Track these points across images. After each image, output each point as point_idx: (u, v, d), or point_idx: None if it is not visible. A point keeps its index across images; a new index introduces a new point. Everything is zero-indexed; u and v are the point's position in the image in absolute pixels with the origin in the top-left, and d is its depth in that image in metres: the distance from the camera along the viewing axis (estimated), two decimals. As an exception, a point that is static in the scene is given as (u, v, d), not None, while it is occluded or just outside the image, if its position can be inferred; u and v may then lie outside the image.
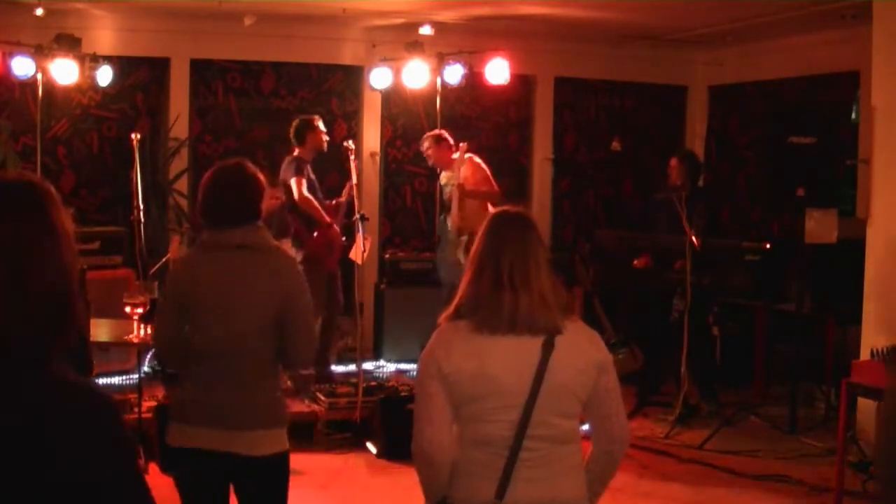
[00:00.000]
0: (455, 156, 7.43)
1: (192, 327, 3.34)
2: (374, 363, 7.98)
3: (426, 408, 2.59)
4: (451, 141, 7.59)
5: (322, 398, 6.43)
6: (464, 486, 2.59)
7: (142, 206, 6.37)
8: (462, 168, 7.45)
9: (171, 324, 3.40)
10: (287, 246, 7.54)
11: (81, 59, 7.26)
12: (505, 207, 2.80)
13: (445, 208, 7.69)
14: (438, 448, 2.56)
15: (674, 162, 7.23)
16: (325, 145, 7.19)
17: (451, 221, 7.49)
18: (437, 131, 7.76)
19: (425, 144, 7.66)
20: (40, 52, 7.10)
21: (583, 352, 2.62)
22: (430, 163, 7.75)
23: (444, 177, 7.73)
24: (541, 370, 2.53)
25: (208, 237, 3.37)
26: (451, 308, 2.66)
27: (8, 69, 7.00)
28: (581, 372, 2.60)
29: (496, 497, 2.52)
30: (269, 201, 6.41)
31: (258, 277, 3.29)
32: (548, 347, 2.54)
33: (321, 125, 7.25)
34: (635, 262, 7.32)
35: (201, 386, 3.32)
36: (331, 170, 8.98)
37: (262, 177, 3.42)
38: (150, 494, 1.58)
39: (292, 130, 7.21)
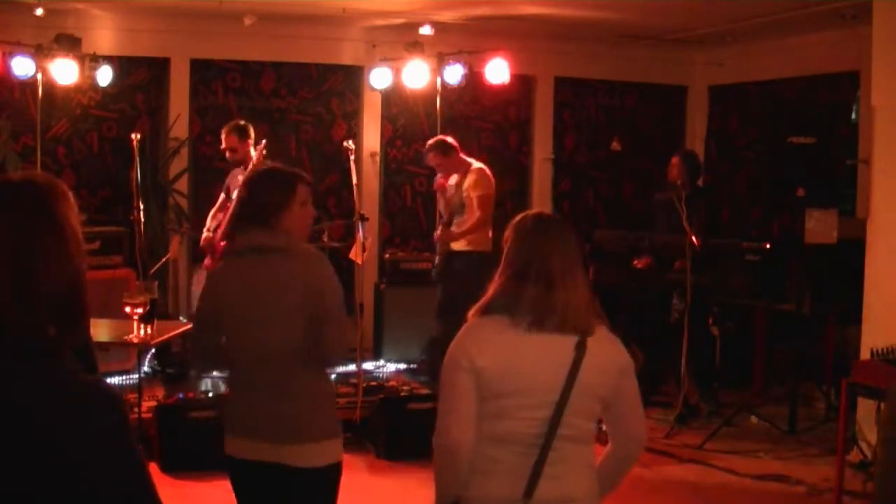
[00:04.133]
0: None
1: (227, 338, 3.32)
2: (374, 363, 7.98)
3: (455, 402, 2.56)
4: (456, 143, 7.45)
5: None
6: (481, 485, 2.57)
7: (142, 206, 6.37)
8: (469, 177, 7.24)
9: (207, 335, 3.37)
10: None
11: (81, 59, 7.27)
12: (540, 210, 2.82)
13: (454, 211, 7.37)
14: (466, 444, 2.54)
15: (675, 160, 7.23)
16: (229, 154, 6.99)
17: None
18: (440, 138, 7.51)
19: (430, 156, 7.41)
20: (40, 52, 7.10)
21: (608, 355, 2.64)
22: (440, 171, 7.46)
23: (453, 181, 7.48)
24: (573, 370, 2.54)
25: (235, 241, 3.36)
26: (482, 303, 2.64)
27: (8, 69, 7.01)
28: (606, 374, 2.62)
29: (525, 496, 2.52)
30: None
31: (284, 281, 3.23)
32: (581, 349, 2.56)
33: (223, 134, 7.04)
34: (636, 262, 7.32)
35: (245, 397, 3.30)
36: (331, 170, 9.00)
37: (292, 179, 3.34)
38: (155, 493, 1.58)
39: None
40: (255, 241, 3.26)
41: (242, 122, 7.04)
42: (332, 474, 3.28)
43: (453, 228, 7.24)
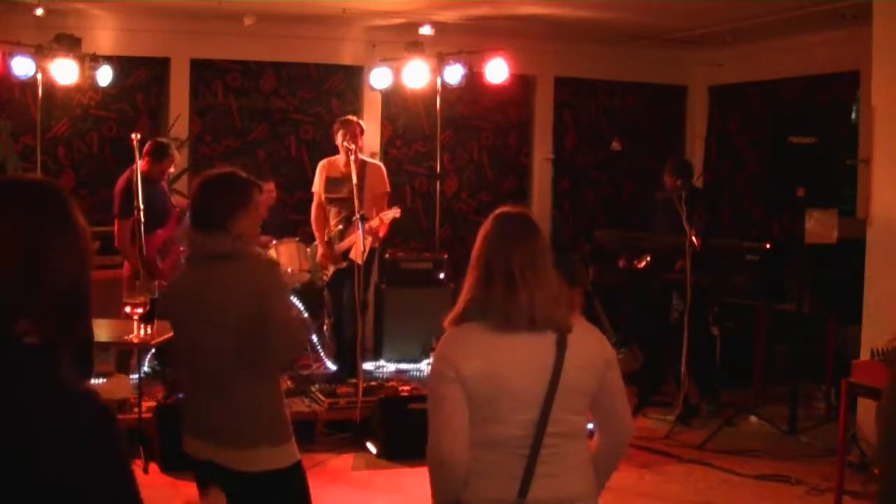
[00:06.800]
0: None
1: (175, 342, 3.44)
2: (374, 363, 7.97)
3: (447, 413, 2.55)
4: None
5: (322, 398, 6.43)
6: (479, 488, 2.57)
7: (142, 206, 6.36)
8: (372, 172, 7.13)
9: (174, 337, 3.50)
10: (291, 245, 7.50)
11: (81, 59, 7.27)
12: (506, 207, 2.78)
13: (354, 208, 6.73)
14: (460, 453, 2.54)
15: (667, 180, 7.21)
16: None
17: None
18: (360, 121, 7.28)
19: (358, 128, 7.04)
20: (40, 52, 7.10)
21: (591, 348, 2.65)
22: (354, 146, 6.83)
23: (341, 161, 7.01)
24: (557, 368, 2.54)
25: (190, 247, 3.39)
26: (456, 312, 2.64)
27: (8, 69, 7.01)
28: (591, 368, 2.62)
29: (519, 496, 2.52)
30: (265, 195, 6.39)
31: (227, 285, 3.24)
32: (561, 345, 2.56)
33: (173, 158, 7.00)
34: (635, 261, 7.31)
35: (192, 398, 3.40)
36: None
37: (245, 183, 3.36)
38: None
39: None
40: (205, 247, 3.28)
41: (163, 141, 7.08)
42: (272, 481, 3.25)
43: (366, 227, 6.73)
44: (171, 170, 7.12)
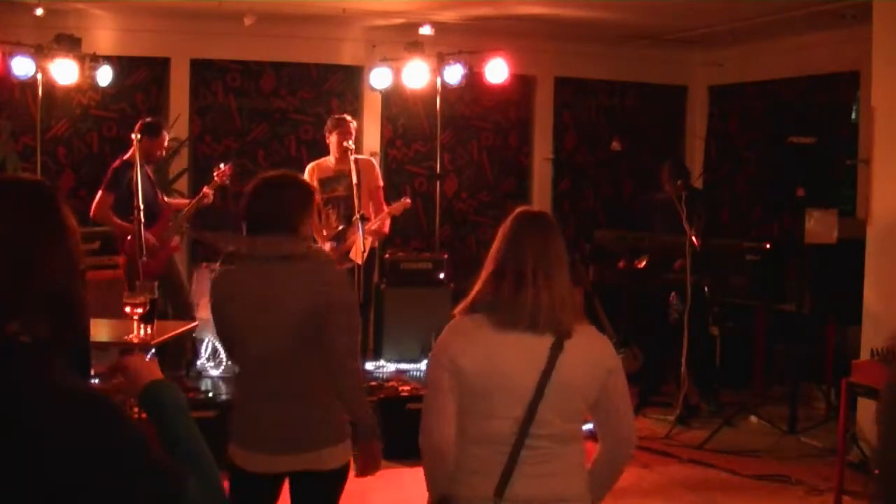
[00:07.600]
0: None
1: (239, 345, 3.32)
2: (374, 363, 7.97)
3: (441, 401, 2.59)
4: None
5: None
6: (466, 483, 2.60)
7: (142, 206, 6.36)
8: (365, 168, 7.05)
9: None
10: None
11: (81, 59, 7.27)
12: (527, 207, 2.82)
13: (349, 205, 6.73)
14: (449, 442, 2.58)
15: (667, 182, 7.19)
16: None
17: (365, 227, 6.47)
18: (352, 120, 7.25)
19: (352, 126, 7.07)
20: (40, 52, 7.11)
21: (592, 355, 2.64)
22: (349, 143, 6.79)
23: (331, 161, 7.08)
24: (548, 370, 2.55)
25: (251, 247, 3.29)
26: (467, 302, 2.67)
27: (8, 69, 7.01)
28: (589, 374, 2.62)
29: (495, 494, 2.53)
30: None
31: (303, 285, 3.21)
32: (556, 348, 2.56)
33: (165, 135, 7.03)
34: (635, 262, 7.31)
35: (259, 406, 3.27)
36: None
37: (309, 186, 3.43)
38: (171, 481, 1.57)
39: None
40: (275, 249, 3.21)
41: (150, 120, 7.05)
42: (345, 474, 3.35)
43: (371, 227, 6.80)
44: (165, 144, 7.09)
